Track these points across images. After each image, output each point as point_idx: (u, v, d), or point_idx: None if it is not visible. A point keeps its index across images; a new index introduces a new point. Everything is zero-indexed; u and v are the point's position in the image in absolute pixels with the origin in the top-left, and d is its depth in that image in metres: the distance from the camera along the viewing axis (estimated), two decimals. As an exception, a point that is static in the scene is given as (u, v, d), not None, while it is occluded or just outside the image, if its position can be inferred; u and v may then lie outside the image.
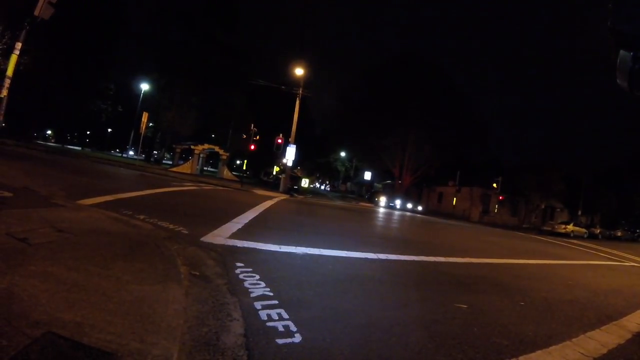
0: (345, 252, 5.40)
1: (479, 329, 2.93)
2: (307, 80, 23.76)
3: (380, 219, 15.70)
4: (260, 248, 4.71)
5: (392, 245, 7.19)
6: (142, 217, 5.35)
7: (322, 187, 71.10)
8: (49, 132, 67.70)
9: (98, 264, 2.72)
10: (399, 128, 33.90)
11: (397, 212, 24.78)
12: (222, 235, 5.05)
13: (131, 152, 53.95)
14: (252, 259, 4.08)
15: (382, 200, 33.74)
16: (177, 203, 8.40)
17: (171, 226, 5.11)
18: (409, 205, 33.25)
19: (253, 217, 7.65)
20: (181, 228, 5.08)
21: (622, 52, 1.70)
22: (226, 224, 6.05)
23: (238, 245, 4.63)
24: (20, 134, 31.10)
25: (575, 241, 22.38)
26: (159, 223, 5.13)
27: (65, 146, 48.35)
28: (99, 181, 10.38)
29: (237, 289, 2.96)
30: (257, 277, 3.37)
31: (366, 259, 5.27)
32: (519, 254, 9.66)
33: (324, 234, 7.41)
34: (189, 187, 13.46)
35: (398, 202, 33.23)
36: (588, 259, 11.46)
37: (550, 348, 2.75)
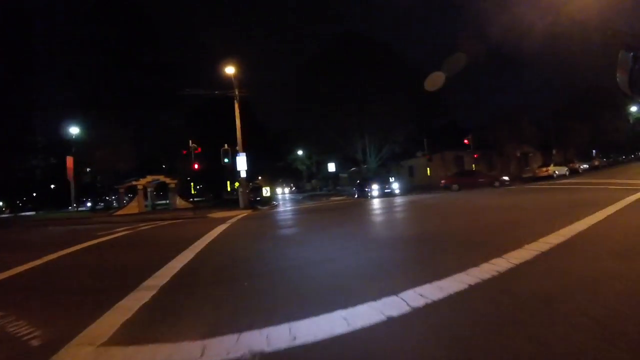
0: (346, 311, 2.73)
1: None
2: (246, 81, 21.41)
3: (378, 215, 13.71)
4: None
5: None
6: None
7: (287, 191, 68.40)
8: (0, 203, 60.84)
9: None
10: (353, 109, 32.12)
11: (376, 200, 22.95)
12: (99, 337, 2.67)
13: (89, 204, 49.42)
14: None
15: (371, 189, 27.01)
16: (75, 267, 5.90)
17: (23, 330, 2.85)
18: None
19: (182, 265, 5.21)
20: (36, 332, 2.79)
21: (622, 52, 1.81)
22: (125, 298, 3.63)
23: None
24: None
25: (566, 181, 21.71)
26: (9, 326, 2.96)
27: (18, 214, 42.44)
28: (2, 254, 8.17)
29: None
30: None
31: (390, 318, 2.59)
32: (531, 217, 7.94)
33: (299, 272, 4.67)
34: (118, 234, 10.70)
35: (375, 187, 27.68)
36: (618, 199, 8.71)
37: None
